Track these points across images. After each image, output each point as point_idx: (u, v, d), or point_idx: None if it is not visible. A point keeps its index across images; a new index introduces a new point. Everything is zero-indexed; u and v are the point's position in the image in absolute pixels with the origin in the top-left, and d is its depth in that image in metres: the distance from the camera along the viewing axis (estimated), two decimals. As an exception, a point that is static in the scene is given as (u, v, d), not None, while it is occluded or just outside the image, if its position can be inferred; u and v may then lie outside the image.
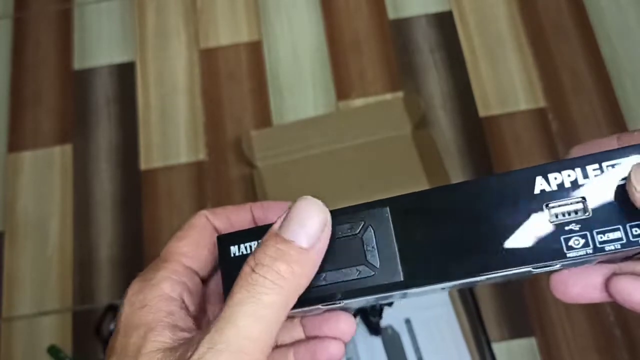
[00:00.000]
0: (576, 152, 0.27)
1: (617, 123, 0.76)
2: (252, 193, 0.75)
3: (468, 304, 0.68)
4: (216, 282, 0.30)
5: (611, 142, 0.25)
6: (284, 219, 0.23)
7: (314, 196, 0.24)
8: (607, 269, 0.27)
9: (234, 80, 0.83)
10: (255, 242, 0.26)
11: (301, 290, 0.23)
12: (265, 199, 0.72)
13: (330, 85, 0.81)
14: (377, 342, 0.67)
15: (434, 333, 0.67)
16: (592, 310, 0.69)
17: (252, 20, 0.86)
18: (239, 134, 0.79)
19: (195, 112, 0.82)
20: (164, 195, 0.78)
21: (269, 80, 0.82)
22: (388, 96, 0.80)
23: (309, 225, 0.23)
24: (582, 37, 0.81)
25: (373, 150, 0.74)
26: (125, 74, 0.84)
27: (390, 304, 0.66)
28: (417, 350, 0.67)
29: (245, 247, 0.26)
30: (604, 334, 0.68)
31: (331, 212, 0.24)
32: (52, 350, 0.70)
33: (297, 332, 0.29)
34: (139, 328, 0.24)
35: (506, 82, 0.79)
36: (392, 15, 0.84)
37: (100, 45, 0.86)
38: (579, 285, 0.27)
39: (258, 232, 0.26)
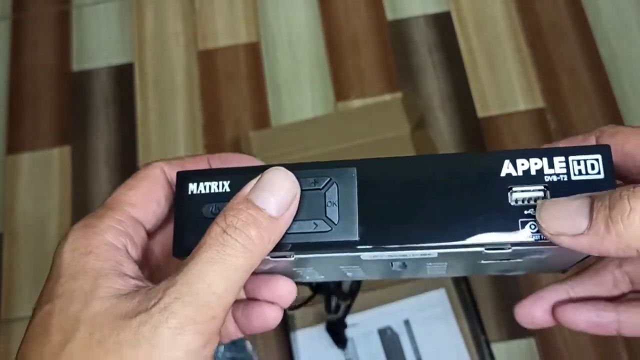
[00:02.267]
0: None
1: (615, 123, 0.76)
2: (251, 194, 0.75)
3: (467, 304, 0.68)
4: (162, 235, 0.29)
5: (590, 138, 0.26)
6: (255, 186, 0.24)
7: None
8: (559, 294, 0.30)
9: (233, 81, 0.83)
10: (215, 183, 0.25)
11: (265, 255, 0.24)
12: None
13: (328, 86, 0.81)
14: (376, 343, 0.68)
15: (433, 334, 0.68)
16: (590, 310, 0.69)
17: (250, 21, 0.86)
18: (238, 135, 0.79)
19: (194, 113, 0.82)
20: (162, 197, 0.78)
21: (267, 81, 0.82)
22: (387, 97, 0.80)
23: (280, 195, 0.23)
24: (581, 37, 0.81)
25: (372, 151, 0.74)
26: (123, 75, 0.84)
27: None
28: (416, 350, 0.67)
29: (204, 187, 0.25)
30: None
31: (298, 164, 0.25)
32: (52, 352, 0.70)
33: (239, 292, 0.29)
34: (87, 273, 0.24)
35: (505, 83, 0.79)
36: (390, 16, 0.84)
37: (98, 47, 0.86)
38: (540, 310, 0.30)
39: (218, 174, 0.26)
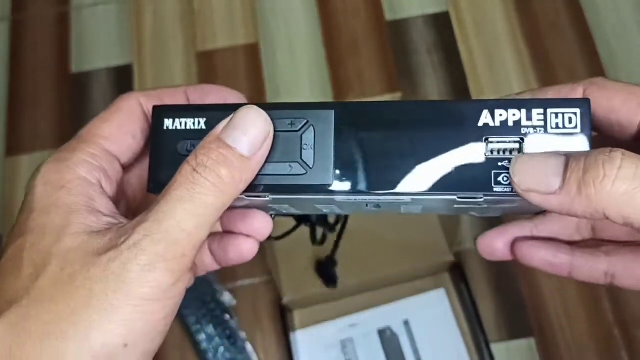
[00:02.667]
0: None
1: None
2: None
3: (467, 304, 0.68)
4: (139, 168, 0.29)
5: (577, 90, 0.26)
6: (227, 125, 0.23)
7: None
8: (523, 230, 0.30)
9: (232, 83, 0.83)
10: (191, 120, 0.25)
11: (238, 195, 0.23)
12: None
13: (328, 86, 0.81)
14: (376, 343, 0.68)
15: (433, 334, 0.67)
16: (591, 309, 0.69)
17: (249, 22, 0.86)
18: (237, 136, 0.79)
19: (193, 114, 0.82)
20: (162, 198, 0.78)
21: (266, 82, 0.82)
22: (386, 97, 0.80)
23: (252, 135, 0.23)
24: (580, 38, 0.81)
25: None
26: (122, 77, 0.84)
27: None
28: (415, 351, 0.67)
29: (180, 123, 0.25)
30: (603, 333, 0.68)
31: (275, 104, 0.24)
32: (51, 353, 0.70)
33: (215, 225, 0.29)
34: (59, 208, 0.24)
35: (504, 83, 0.79)
36: (389, 16, 0.84)
37: (97, 48, 0.86)
38: (501, 242, 0.30)
39: (195, 110, 0.25)
